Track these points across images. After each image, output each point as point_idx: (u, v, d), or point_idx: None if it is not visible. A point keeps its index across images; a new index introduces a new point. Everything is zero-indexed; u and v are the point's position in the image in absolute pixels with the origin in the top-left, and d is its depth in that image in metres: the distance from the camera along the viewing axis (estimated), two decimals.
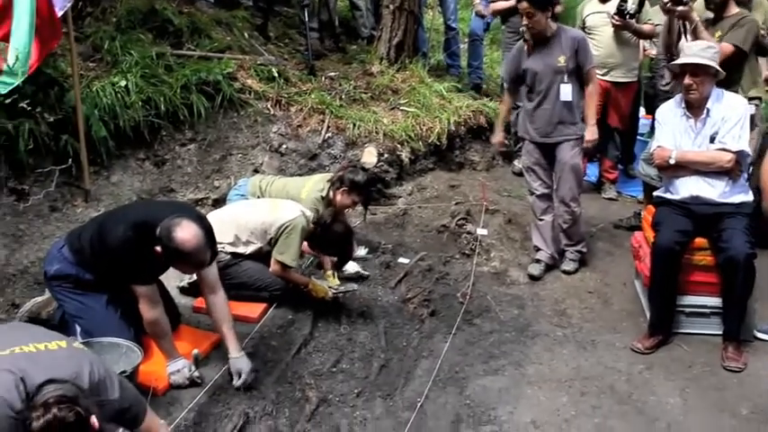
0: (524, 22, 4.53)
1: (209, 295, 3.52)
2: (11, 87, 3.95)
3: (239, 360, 3.44)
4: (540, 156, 4.87)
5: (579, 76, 4.70)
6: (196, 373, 3.36)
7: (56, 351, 2.34)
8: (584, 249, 5.09)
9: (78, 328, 3.40)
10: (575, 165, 4.79)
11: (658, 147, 4.20)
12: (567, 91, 4.64)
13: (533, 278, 4.89)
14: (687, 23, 4.60)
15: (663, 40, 5.00)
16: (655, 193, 4.45)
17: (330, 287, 4.31)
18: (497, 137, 5.25)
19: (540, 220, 4.98)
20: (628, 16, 5.77)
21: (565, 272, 4.96)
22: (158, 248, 3.12)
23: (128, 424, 2.50)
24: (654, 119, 6.54)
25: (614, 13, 5.80)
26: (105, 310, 3.38)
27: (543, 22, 4.53)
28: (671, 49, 4.84)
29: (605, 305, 4.61)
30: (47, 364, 2.24)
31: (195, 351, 3.47)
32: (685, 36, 4.64)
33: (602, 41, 5.98)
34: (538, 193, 4.95)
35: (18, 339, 2.35)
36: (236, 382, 3.39)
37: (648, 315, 4.19)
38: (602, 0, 6.07)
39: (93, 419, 2.07)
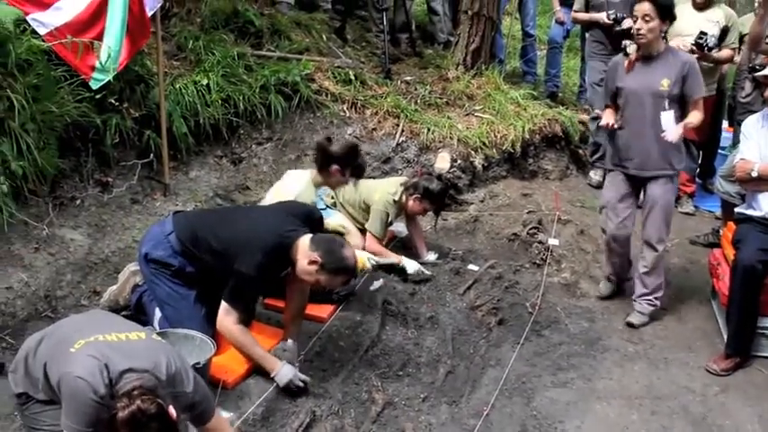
0: (637, 26, 4.07)
1: (296, 288, 3.59)
2: (102, 83, 4.12)
3: (287, 346, 3.52)
4: (628, 190, 4.39)
5: (683, 104, 4.19)
6: (302, 376, 3.39)
7: (136, 342, 2.43)
8: (658, 303, 4.51)
9: (158, 315, 3.47)
10: (666, 203, 4.31)
11: (741, 159, 4.07)
12: (668, 118, 4.12)
13: (603, 297, 4.75)
14: None
15: (751, 30, 4.80)
16: (736, 209, 4.32)
17: (369, 258, 4.32)
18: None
19: (613, 261, 4.67)
20: (706, 49, 5.54)
21: (629, 324, 4.45)
22: (318, 258, 3.22)
23: (196, 419, 2.56)
24: (735, 132, 6.36)
25: (692, 44, 5.54)
26: (193, 304, 3.44)
27: (657, 32, 4.10)
28: (759, 42, 4.65)
29: (679, 322, 4.49)
30: (128, 353, 2.33)
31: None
32: None
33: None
34: (614, 233, 4.49)
35: (100, 328, 2.45)
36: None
37: (725, 335, 4.07)
38: (698, 7, 5.83)
39: (171, 410, 2.14)
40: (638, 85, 4.20)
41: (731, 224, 4.36)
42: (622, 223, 4.43)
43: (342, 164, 4.08)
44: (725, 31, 5.59)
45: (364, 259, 4.22)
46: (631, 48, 4.27)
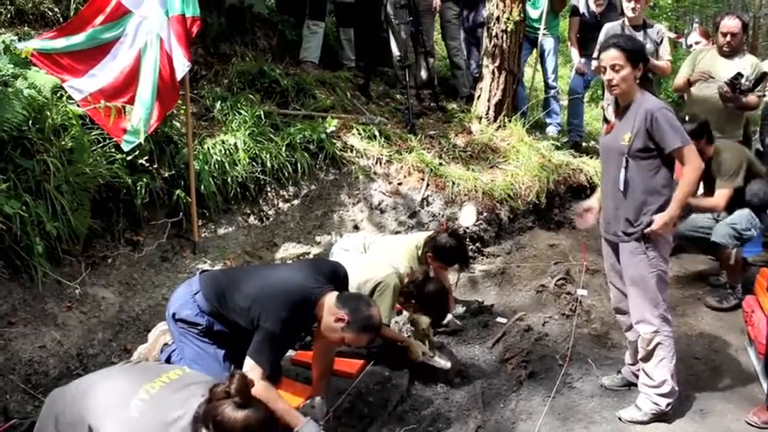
0: (606, 77, 3.60)
1: (321, 345, 3.62)
2: (133, 145, 4.24)
3: (315, 403, 3.50)
4: (615, 259, 3.89)
5: (655, 157, 3.58)
6: None
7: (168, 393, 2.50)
8: (664, 406, 3.78)
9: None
10: (638, 277, 3.69)
11: None
12: (621, 178, 3.64)
13: (605, 387, 4.21)
14: None
15: None
16: None
17: (424, 353, 4.19)
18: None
19: (629, 337, 4.10)
20: (738, 92, 5.46)
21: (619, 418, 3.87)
22: (345, 316, 3.26)
23: None
24: None
25: (726, 82, 5.48)
26: (222, 363, 3.46)
27: (632, 80, 3.58)
28: None
29: (714, 373, 4.39)
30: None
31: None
32: None
33: (708, 98, 5.75)
34: (614, 306, 4.10)
35: (137, 382, 2.53)
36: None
37: (765, 385, 3.97)
38: (725, 55, 5.77)
39: None
40: (607, 142, 3.78)
41: (765, 270, 4.31)
42: (618, 292, 4.00)
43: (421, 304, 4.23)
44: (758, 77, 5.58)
45: (419, 353, 4.17)
46: (609, 110, 3.85)
